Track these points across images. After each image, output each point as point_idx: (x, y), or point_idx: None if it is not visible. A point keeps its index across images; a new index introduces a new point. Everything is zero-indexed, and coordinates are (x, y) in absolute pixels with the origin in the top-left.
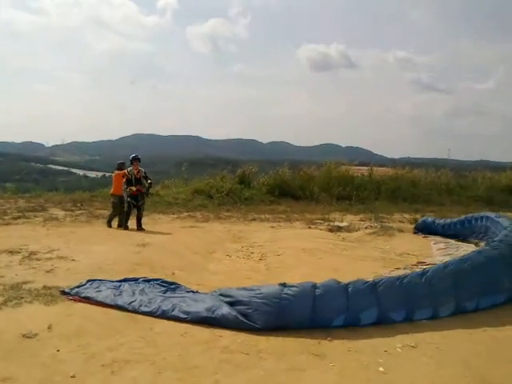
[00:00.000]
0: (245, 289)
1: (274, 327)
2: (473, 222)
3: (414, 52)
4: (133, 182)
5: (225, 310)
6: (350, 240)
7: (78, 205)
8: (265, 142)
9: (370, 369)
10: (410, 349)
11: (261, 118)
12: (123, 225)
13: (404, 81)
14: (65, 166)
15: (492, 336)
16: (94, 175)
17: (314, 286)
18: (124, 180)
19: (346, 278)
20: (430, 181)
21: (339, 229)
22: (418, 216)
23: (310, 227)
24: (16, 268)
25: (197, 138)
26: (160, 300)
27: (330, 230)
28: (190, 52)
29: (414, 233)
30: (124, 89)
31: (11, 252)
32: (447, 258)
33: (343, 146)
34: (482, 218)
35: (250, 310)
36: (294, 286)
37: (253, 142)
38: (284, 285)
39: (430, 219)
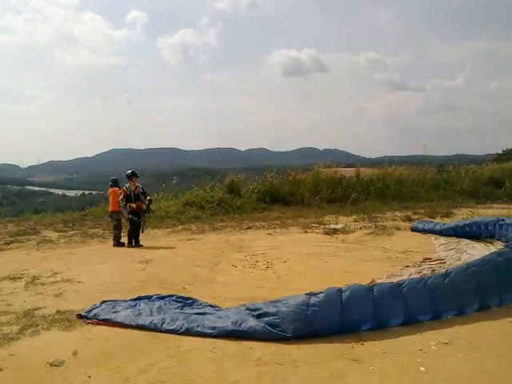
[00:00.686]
0: (271, 301)
1: (302, 335)
2: (482, 227)
3: (384, 53)
4: (132, 199)
5: (252, 322)
6: (350, 241)
7: (70, 225)
8: (243, 149)
9: (411, 369)
10: (444, 346)
11: (238, 127)
12: (133, 243)
13: (376, 81)
14: (42, 186)
15: None
16: (74, 194)
17: (340, 291)
18: (121, 196)
19: (358, 279)
20: (415, 178)
21: (335, 231)
22: (409, 213)
23: (306, 231)
24: (22, 294)
25: (174, 150)
26: (183, 317)
27: (327, 233)
28: (162, 64)
29: (412, 230)
30: (97, 105)
31: (13, 278)
32: (451, 253)
33: (321, 148)
34: (494, 223)
35: (278, 320)
36: (320, 293)
37: (231, 150)
38: (311, 294)
39: (427, 224)
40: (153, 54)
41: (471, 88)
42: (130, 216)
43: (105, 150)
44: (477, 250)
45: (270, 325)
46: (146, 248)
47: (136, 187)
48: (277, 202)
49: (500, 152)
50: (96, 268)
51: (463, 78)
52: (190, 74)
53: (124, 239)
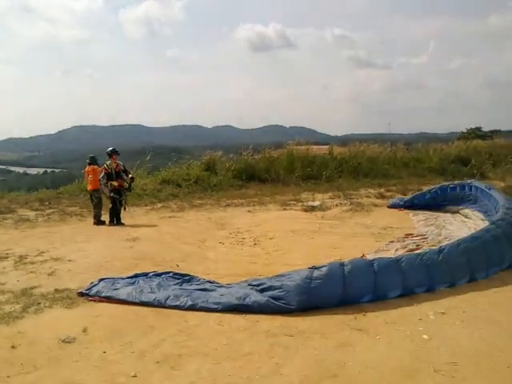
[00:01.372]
0: (274, 276)
1: (306, 307)
2: (458, 189)
3: (351, 29)
4: (113, 176)
5: (256, 296)
6: (329, 218)
7: (46, 203)
8: (209, 126)
9: (415, 337)
10: (441, 315)
11: (203, 103)
12: (115, 221)
13: (342, 58)
14: (2, 164)
15: (505, 296)
16: (36, 172)
17: (342, 264)
18: (102, 174)
19: (347, 255)
20: (386, 156)
21: (313, 208)
22: (382, 190)
23: (285, 209)
24: (13, 274)
25: (139, 127)
26: (186, 293)
27: (305, 210)
28: (125, 37)
29: (388, 207)
30: (58, 80)
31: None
32: (431, 229)
33: (287, 126)
34: (470, 186)
35: (282, 293)
36: (323, 266)
37: (197, 127)
38: (314, 267)
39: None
40: (115, 27)
41: (434, 66)
42: (112, 194)
43: (67, 127)
44: (455, 226)
45: (274, 298)
46: (128, 226)
47: (117, 165)
48: (253, 180)
49: (464, 131)
50: (83, 246)
51: (428, 56)
52: (154, 48)
53: (104, 217)
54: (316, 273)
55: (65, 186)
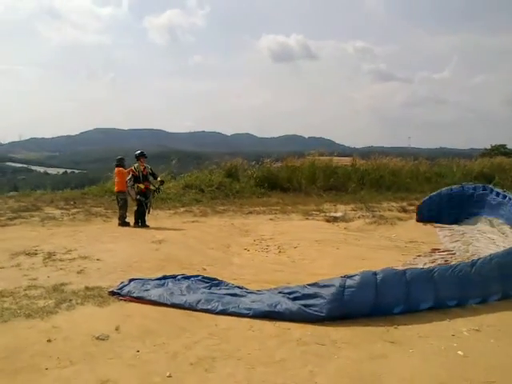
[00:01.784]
0: (306, 285)
1: (337, 316)
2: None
3: (373, 42)
4: (140, 179)
5: (288, 303)
6: (353, 230)
7: (71, 203)
8: (228, 134)
9: (449, 353)
10: (475, 332)
11: (224, 110)
12: (139, 223)
13: (364, 70)
14: (24, 163)
15: None
16: (56, 172)
17: (375, 274)
18: (130, 176)
19: (374, 266)
20: (409, 170)
21: (335, 219)
22: (404, 204)
23: (307, 218)
24: (43, 270)
25: (159, 132)
26: (217, 298)
27: (328, 221)
28: (148, 44)
29: (417, 219)
30: (82, 82)
31: (28, 254)
32: (458, 244)
33: (306, 136)
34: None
35: (315, 301)
36: (356, 275)
37: (216, 134)
38: (346, 276)
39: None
40: (139, 33)
41: (457, 82)
42: (138, 197)
43: (88, 129)
44: (482, 243)
45: (306, 306)
46: (152, 229)
47: (144, 167)
48: (275, 189)
49: (488, 147)
50: (109, 247)
51: (449, 71)
52: (176, 55)
53: (129, 219)
54: (349, 281)
55: (89, 187)
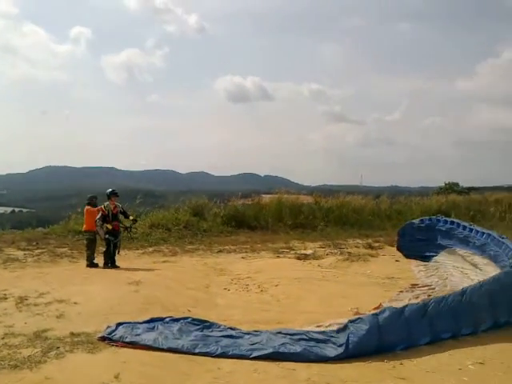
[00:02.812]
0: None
1: (346, 357)
2: (473, 232)
3: (327, 85)
4: (110, 218)
5: (293, 344)
6: (327, 267)
7: (34, 243)
8: (184, 172)
9: None
10: (480, 366)
11: (179, 149)
12: (109, 264)
13: (318, 112)
14: None
15: None
16: (3, 211)
17: (376, 314)
18: (99, 216)
19: (360, 303)
20: (371, 208)
21: (306, 257)
22: (369, 241)
23: (278, 256)
24: (18, 315)
25: (112, 170)
26: (214, 340)
27: (299, 258)
28: (105, 82)
29: (397, 247)
30: (35, 119)
31: None
32: (435, 279)
33: (262, 175)
34: (483, 232)
35: (322, 344)
36: (359, 319)
37: (171, 172)
38: (350, 321)
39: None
40: (97, 71)
41: (406, 124)
42: (107, 236)
43: (39, 167)
44: (457, 277)
45: (313, 347)
46: (123, 269)
47: (115, 206)
48: (242, 227)
49: (441, 185)
50: (84, 289)
51: (400, 113)
52: (133, 94)
53: (97, 260)
54: (352, 325)
55: (51, 226)
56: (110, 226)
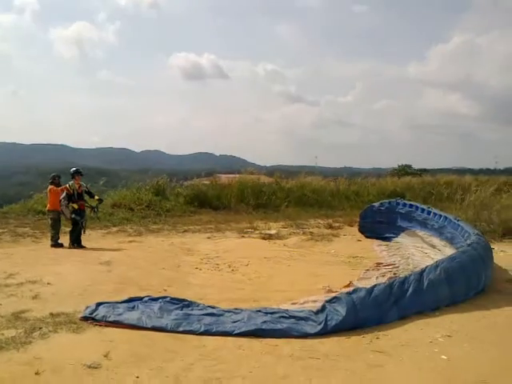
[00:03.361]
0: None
1: (322, 334)
2: (431, 215)
3: (283, 65)
4: (75, 197)
5: (274, 321)
6: (292, 247)
7: None
8: (138, 150)
9: (435, 358)
10: (448, 338)
11: (133, 127)
12: (75, 244)
13: (274, 92)
14: None
15: (503, 319)
16: None
17: (350, 293)
18: (63, 195)
19: (331, 281)
20: (330, 189)
21: (270, 236)
22: (330, 221)
23: (243, 236)
24: None
25: (63, 147)
26: (196, 318)
27: (263, 238)
28: (54, 56)
29: (359, 228)
30: None
31: None
32: (397, 258)
33: (217, 154)
34: (440, 215)
35: (302, 321)
36: (334, 298)
37: (125, 150)
38: (326, 301)
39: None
40: (45, 44)
41: (359, 106)
42: (73, 215)
43: None
44: (417, 256)
45: (291, 323)
46: (90, 250)
47: (80, 186)
48: (204, 207)
49: (395, 166)
50: (54, 269)
51: (353, 95)
52: (84, 69)
53: (61, 240)
54: (329, 305)
55: (10, 205)
56: (75, 206)
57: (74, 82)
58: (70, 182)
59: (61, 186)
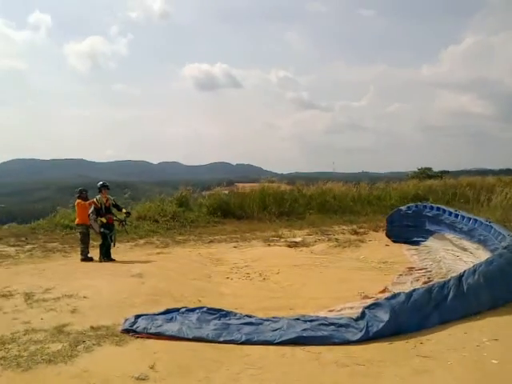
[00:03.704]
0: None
1: (364, 341)
2: (459, 218)
3: (294, 72)
4: (103, 211)
5: (316, 330)
6: (319, 254)
7: (23, 239)
8: (155, 162)
9: (485, 362)
10: (495, 342)
11: (150, 139)
12: (105, 257)
13: (286, 99)
14: None
15: None
16: None
17: (389, 299)
18: (92, 209)
19: (365, 287)
20: (352, 194)
21: (296, 244)
22: (354, 227)
23: (269, 245)
24: (31, 312)
25: (81, 161)
26: (236, 328)
27: (289, 246)
28: (69, 70)
29: (386, 233)
30: None
31: (4, 296)
32: (429, 262)
33: (234, 163)
34: (469, 218)
35: (343, 328)
36: (374, 305)
37: (143, 163)
38: (366, 307)
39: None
40: (59, 59)
41: (373, 109)
42: (102, 229)
43: (6, 160)
44: (449, 259)
45: (332, 331)
46: (120, 262)
47: (107, 199)
48: (228, 216)
49: (411, 170)
50: (88, 283)
51: (367, 99)
52: (98, 82)
53: (91, 253)
54: (369, 311)
55: (37, 221)
56: (104, 220)
57: (89, 95)
58: (98, 196)
59: (88, 199)
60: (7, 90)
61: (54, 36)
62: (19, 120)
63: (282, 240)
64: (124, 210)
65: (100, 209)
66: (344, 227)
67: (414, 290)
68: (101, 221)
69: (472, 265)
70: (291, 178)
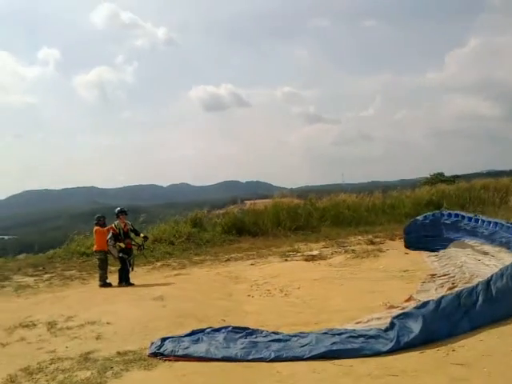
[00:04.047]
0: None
1: (394, 350)
2: (480, 222)
3: (299, 87)
4: (122, 236)
5: (345, 343)
6: (338, 266)
7: (41, 269)
8: (165, 185)
9: None
10: None
11: (159, 163)
12: (124, 282)
13: (293, 114)
14: None
15: None
16: None
17: (418, 308)
18: (110, 235)
19: (389, 297)
20: (365, 204)
21: (314, 257)
22: (370, 237)
23: (286, 260)
24: (56, 340)
25: (92, 189)
26: (264, 346)
27: (307, 260)
28: (77, 101)
29: (405, 244)
30: (9, 144)
31: (26, 326)
32: (451, 268)
33: (243, 181)
34: (489, 221)
35: (372, 339)
36: (402, 314)
37: (153, 186)
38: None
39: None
40: (68, 91)
41: (381, 118)
42: (121, 254)
43: (17, 192)
44: (471, 264)
45: (362, 342)
46: (140, 286)
47: (125, 224)
48: (242, 234)
49: (423, 176)
50: (110, 309)
51: (374, 109)
52: (106, 111)
53: (110, 279)
54: (398, 321)
55: (53, 250)
56: (123, 245)
57: (97, 123)
58: (116, 222)
59: (106, 226)
60: (19, 124)
61: (62, 69)
62: (30, 152)
63: (299, 254)
64: (142, 235)
65: (118, 234)
66: (360, 238)
67: (443, 298)
68: (119, 246)
69: (495, 268)
70: (301, 192)
